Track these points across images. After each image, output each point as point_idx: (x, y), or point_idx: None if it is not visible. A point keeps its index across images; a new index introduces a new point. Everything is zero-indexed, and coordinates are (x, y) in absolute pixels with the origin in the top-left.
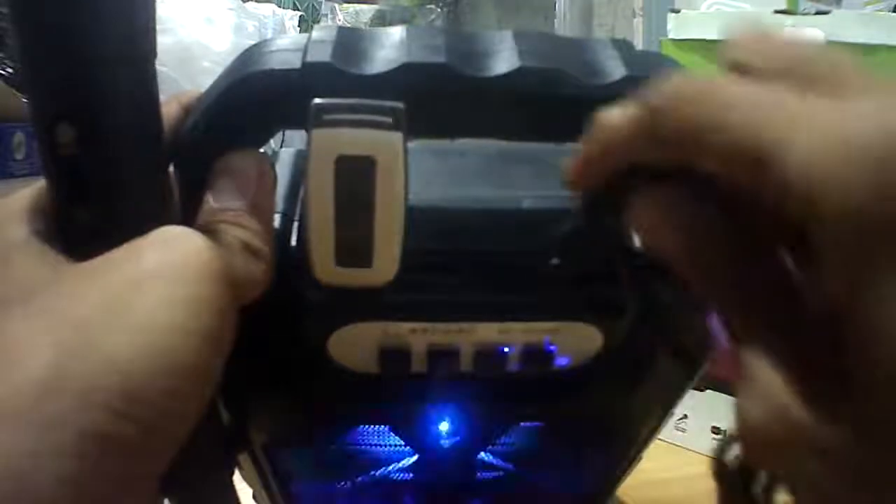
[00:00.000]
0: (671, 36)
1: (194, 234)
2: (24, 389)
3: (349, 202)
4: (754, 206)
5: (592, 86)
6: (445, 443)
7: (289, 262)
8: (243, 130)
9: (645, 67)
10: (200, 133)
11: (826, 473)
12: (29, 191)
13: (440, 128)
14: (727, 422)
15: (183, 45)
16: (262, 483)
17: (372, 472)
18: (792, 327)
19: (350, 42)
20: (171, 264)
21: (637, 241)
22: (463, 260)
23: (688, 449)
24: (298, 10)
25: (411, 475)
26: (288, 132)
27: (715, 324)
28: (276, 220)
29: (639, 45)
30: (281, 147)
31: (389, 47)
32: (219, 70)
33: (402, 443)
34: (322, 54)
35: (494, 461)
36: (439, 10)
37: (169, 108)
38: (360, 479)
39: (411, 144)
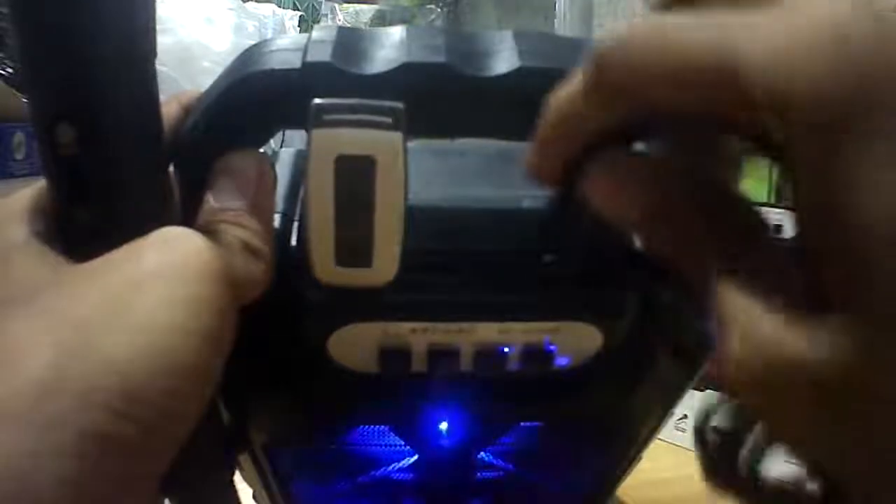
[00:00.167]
0: None
1: (194, 235)
2: (24, 390)
3: (349, 202)
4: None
5: None
6: (445, 442)
7: (289, 261)
8: (243, 130)
9: None
10: (200, 133)
11: (813, 403)
12: (29, 191)
13: (440, 128)
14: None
15: (183, 45)
16: (262, 483)
17: (372, 472)
18: (768, 260)
19: (350, 42)
20: (171, 264)
21: (600, 215)
22: (463, 260)
23: (688, 449)
24: (298, 10)
25: (411, 475)
26: (288, 132)
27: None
28: (276, 220)
29: None
30: (281, 147)
31: (389, 47)
32: (219, 70)
33: (402, 443)
34: (322, 54)
35: (494, 461)
36: (439, 10)
37: (169, 108)
38: (360, 479)
39: (411, 144)
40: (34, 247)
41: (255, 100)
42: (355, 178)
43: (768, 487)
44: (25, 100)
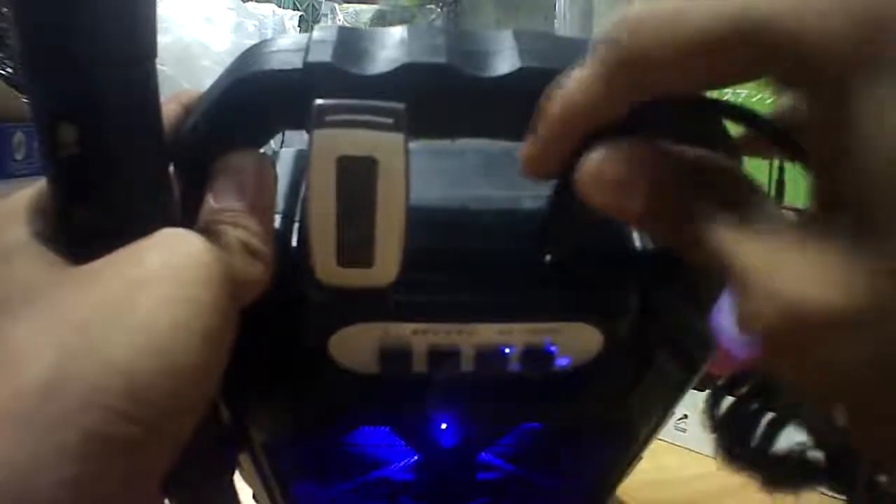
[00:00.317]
0: None
1: (195, 236)
2: (26, 391)
3: (350, 203)
4: None
5: None
6: (446, 443)
7: (290, 262)
8: (244, 130)
9: None
10: (201, 133)
11: (848, 351)
12: (29, 191)
13: (441, 128)
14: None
15: (182, 45)
16: (262, 483)
17: (372, 473)
18: (777, 217)
19: (351, 42)
20: (172, 266)
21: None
22: (464, 261)
23: (688, 449)
24: (298, 9)
25: (412, 476)
26: (288, 132)
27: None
28: (277, 221)
29: None
30: (281, 147)
31: (390, 47)
32: (219, 70)
33: (403, 443)
34: (323, 54)
35: (495, 461)
36: (439, 10)
37: (169, 107)
38: (360, 479)
39: (412, 145)
40: (35, 247)
41: (256, 100)
42: (357, 178)
43: (777, 459)
44: (26, 100)
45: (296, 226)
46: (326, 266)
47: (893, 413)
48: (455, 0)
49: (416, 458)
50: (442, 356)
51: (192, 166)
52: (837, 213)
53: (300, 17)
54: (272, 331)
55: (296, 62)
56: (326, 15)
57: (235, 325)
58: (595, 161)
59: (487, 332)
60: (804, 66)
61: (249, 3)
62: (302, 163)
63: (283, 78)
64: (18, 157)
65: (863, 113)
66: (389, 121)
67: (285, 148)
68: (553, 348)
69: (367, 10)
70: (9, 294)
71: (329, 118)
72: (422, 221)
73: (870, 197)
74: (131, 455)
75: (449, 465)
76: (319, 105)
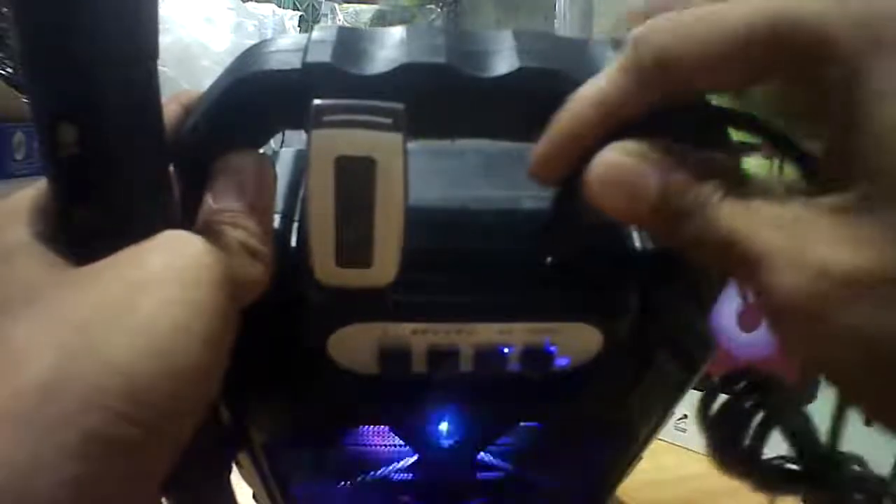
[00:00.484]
0: None
1: (195, 238)
2: (27, 391)
3: (349, 203)
4: None
5: None
6: (445, 443)
7: (289, 262)
8: (243, 131)
9: None
10: (200, 133)
11: (874, 316)
12: (31, 191)
13: (440, 128)
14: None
15: (182, 45)
16: (261, 483)
17: (372, 473)
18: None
19: (350, 42)
20: (173, 268)
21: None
22: (463, 261)
23: (688, 449)
24: (298, 9)
25: (411, 475)
26: (288, 132)
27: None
28: (277, 221)
29: None
30: (281, 147)
31: (389, 47)
32: (219, 69)
33: (403, 443)
34: (322, 54)
35: (494, 461)
36: (439, 10)
37: (169, 108)
38: (360, 479)
39: (411, 145)
40: (36, 248)
41: (255, 100)
42: (355, 179)
43: (764, 463)
44: (26, 100)
45: (295, 226)
46: (325, 266)
47: None
48: (455, 0)
49: (415, 457)
50: (441, 356)
51: (191, 166)
52: (845, 191)
53: (300, 17)
54: (272, 331)
55: (295, 62)
56: (326, 15)
57: (235, 327)
58: (605, 162)
59: (487, 332)
60: (822, 56)
61: (249, 3)
62: (302, 162)
63: (281, 78)
64: (18, 157)
65: (872, 90)
66: (388, 121)
67: (285, 148)
68: (552, 348)
69: (367, 10)
70: (9, 294)
71: (327, 118)
72: (421, 221)
73: (880, 164)
74: (131, 456)
75: (448, 465)
76: (317, 105)
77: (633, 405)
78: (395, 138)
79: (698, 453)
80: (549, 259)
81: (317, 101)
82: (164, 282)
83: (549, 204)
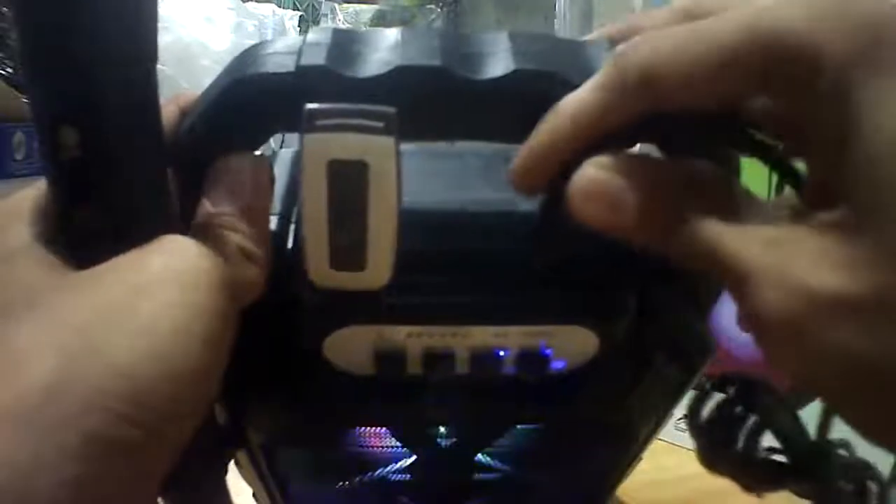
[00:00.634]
0: None
1: (193, 242)
2: (28, 393)
3: (342, 206)
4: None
5: None
6: (442, 444)
7: (286, 264)
8: (240, 132)
9: None
10: (198, 134)
11: (857, 335)
12: (31, 191)
13: (435, 131)
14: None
15: (182, 44)
16: (260, 483)
17: (369, 474)
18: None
19: (345, 44)
20: (173, 271)
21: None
22: (458, 263)
23: (688, 449)
24: (298, 9)
25: (408, 476)
26: (288, 133)
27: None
28: (274, 222)
29: None
30: (281, 147)
31: (384, 49)
32: (218, 69)
33: (400, 444)
34: (316, 57)
35: (492, 462)
36: (439, 10)
37: (167, 109)
38: (357, 480)
39: (407, 147)
40: (37, 250)
41: (251, 102)
42: (348, 182)
43: (752, 460)
44: (26, 100)
45: (292, 227)
46: (319, 269)
47: None
48: (455, 0)
49: (412, 458)
50: (436, 359)
51: (189, 167)
52: (834, 208)
53: (300, 17)
54: (269, 332)
55: (289, 65)
56: (326, 15)
57: (235, 328)
58: (585, 177)
59: (482, 335)
60: (810, 68)
61: (249, 3)
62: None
63: (276, 81)
64: (18, 157)
65: (863, 103)
66: (380, 124)
67: (284, 148)
68: (548, 351)
69: (367, 10)
70: (11, 297)
71: (319, 122)
72: (417, 224)
73: (869, 180)
74: (132, 457)
75: (446, 466)
76: (310, 109)
77: (632, 407)
78: (388, 142)
79: None
80: (539, 264)
81: (309, 105)
82: (163, 285)
83: (541, 204)
